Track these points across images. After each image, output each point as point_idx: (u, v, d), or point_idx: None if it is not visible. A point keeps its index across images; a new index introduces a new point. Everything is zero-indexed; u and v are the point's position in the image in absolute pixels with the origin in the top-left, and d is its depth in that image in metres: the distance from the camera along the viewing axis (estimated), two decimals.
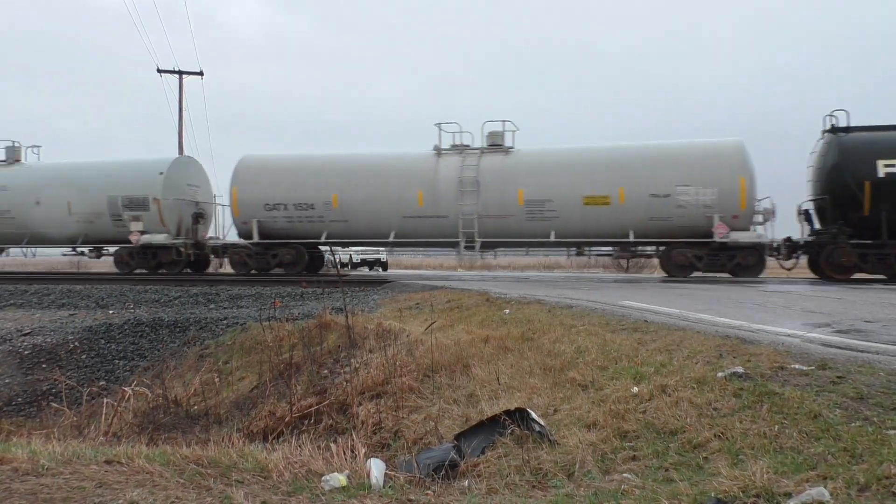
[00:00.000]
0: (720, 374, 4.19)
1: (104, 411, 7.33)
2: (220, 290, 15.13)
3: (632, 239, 16.36)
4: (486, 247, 17.73)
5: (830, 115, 15.86)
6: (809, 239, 16.11)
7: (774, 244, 16.10)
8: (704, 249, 15.90)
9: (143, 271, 19.72)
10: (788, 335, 5.48)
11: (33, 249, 22.57)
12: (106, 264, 29.92)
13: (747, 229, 15.97)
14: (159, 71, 29.48)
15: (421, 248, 31.75)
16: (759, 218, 16.24)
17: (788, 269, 16.71)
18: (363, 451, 4.30)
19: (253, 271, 18.55)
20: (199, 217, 20.00)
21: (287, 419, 6.10)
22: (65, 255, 23.20)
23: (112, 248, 20.23)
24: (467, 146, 17.85)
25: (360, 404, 5.93)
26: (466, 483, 3.63)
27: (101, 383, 10.43)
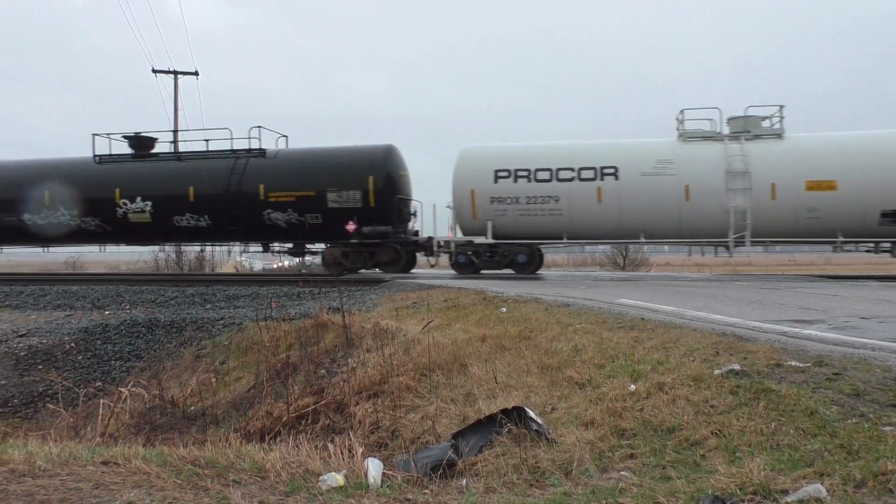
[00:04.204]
0: (717, 372, 4.20)
1: (101, 412, 7.31)
2: (217, 290, 15.09)
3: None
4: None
5: None
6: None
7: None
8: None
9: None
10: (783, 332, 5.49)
11: None
12: (102, 264, 29.81)
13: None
14: (154, 71, 29.41)
15: None
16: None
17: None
18: (360, 450, 4.30)
19: None
20: None
21: (284, 419, 6.10)
22: None
23: None
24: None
25: (358, 404, 5.93)
26: (464, 482, 3.63)
27: (97, 384, 10.39)
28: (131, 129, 19.60)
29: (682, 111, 15.82)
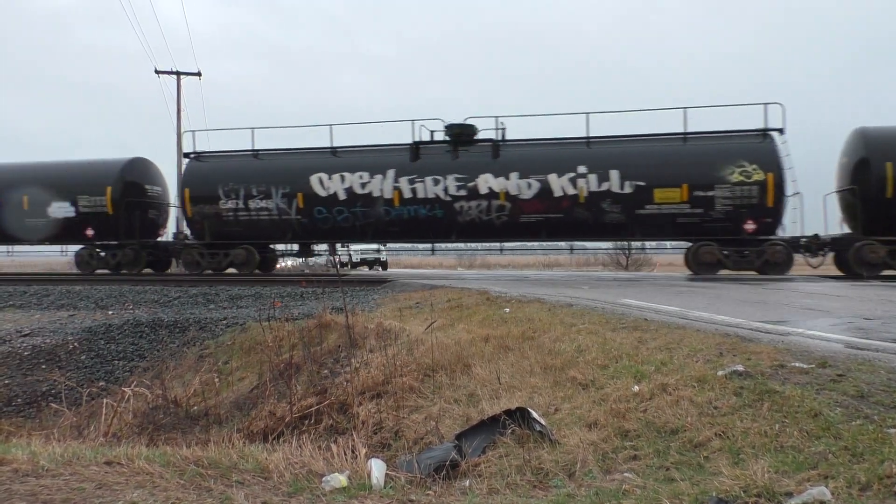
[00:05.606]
0: (720, 373, 4.19)
1: (104, 412, 7.31)
2: (220, 290, 15.12)
3: None
4: None
5: None
6: None
7: None
8: None
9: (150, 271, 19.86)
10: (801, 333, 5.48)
11: None
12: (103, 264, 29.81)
13: None
14: (157, 72, 29.42)
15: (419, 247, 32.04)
16: None
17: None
18: (364, 451, 4.30)
19: None
20: None
21: (287, 419, 6.09)
22: None
23: None
24: None
25: (361, 404, 5.93)
26: (467, 483, 3.62)
27: (100, 384, 10.40)
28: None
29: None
